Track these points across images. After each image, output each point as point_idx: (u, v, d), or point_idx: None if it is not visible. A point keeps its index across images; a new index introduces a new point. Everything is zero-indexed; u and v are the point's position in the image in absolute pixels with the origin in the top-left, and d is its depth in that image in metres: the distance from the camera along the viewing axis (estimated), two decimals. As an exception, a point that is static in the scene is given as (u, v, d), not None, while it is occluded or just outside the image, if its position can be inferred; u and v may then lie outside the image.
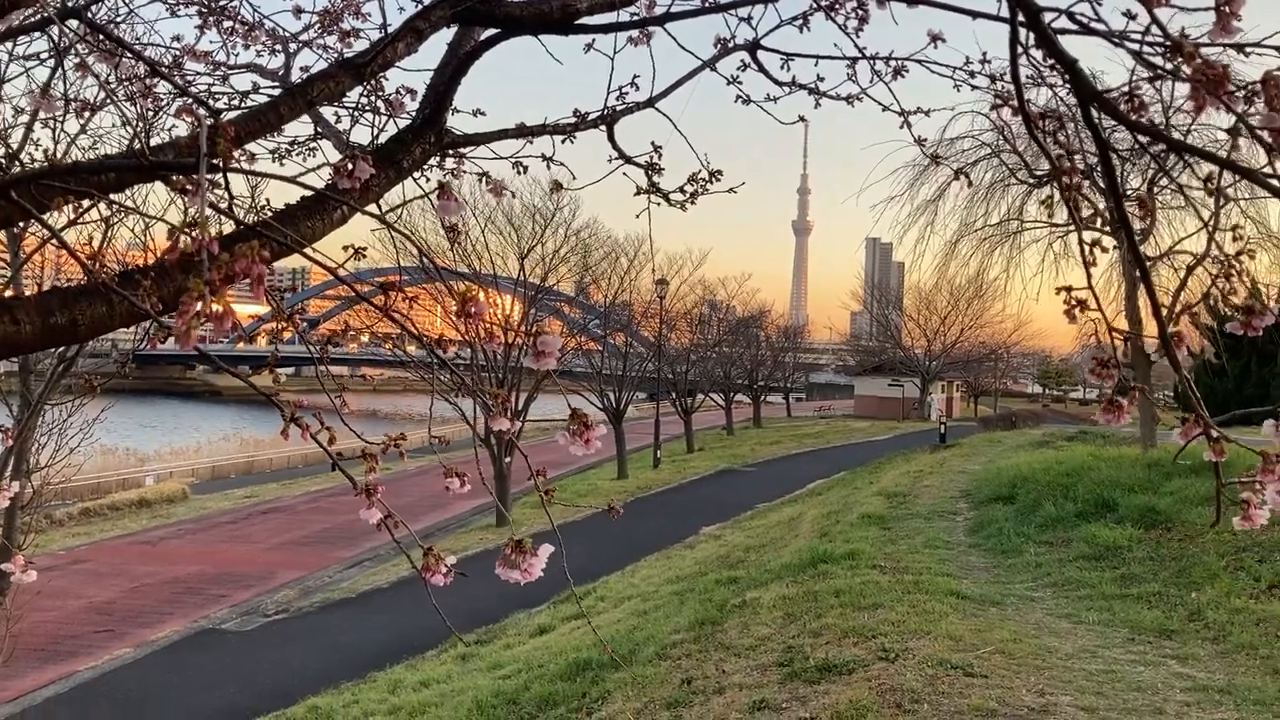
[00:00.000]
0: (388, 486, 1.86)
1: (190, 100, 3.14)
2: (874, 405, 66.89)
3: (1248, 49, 2.31)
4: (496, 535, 23.43)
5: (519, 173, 3.43)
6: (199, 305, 0.92)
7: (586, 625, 12.47)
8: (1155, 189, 17.17)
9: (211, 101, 3.52)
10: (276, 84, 3.96)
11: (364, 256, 2.27)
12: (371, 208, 2.37)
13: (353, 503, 1.77)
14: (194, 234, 1.03)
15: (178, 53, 4.32)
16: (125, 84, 4.13)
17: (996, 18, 2.19)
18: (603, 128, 3.14)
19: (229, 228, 2.11)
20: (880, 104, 3.57)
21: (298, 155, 4.09)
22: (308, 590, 18.95)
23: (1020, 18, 1.54)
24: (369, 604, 17.41)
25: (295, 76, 3.98)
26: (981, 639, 7.90)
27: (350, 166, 1.55)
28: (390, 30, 3.38)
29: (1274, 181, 1.45)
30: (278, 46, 4.12)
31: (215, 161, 1.16)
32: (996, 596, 9.86)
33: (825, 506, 19.66)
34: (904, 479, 21.65)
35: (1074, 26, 1.84)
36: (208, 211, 1.30)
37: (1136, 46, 1.50)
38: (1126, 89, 1.57)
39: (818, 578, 10.88)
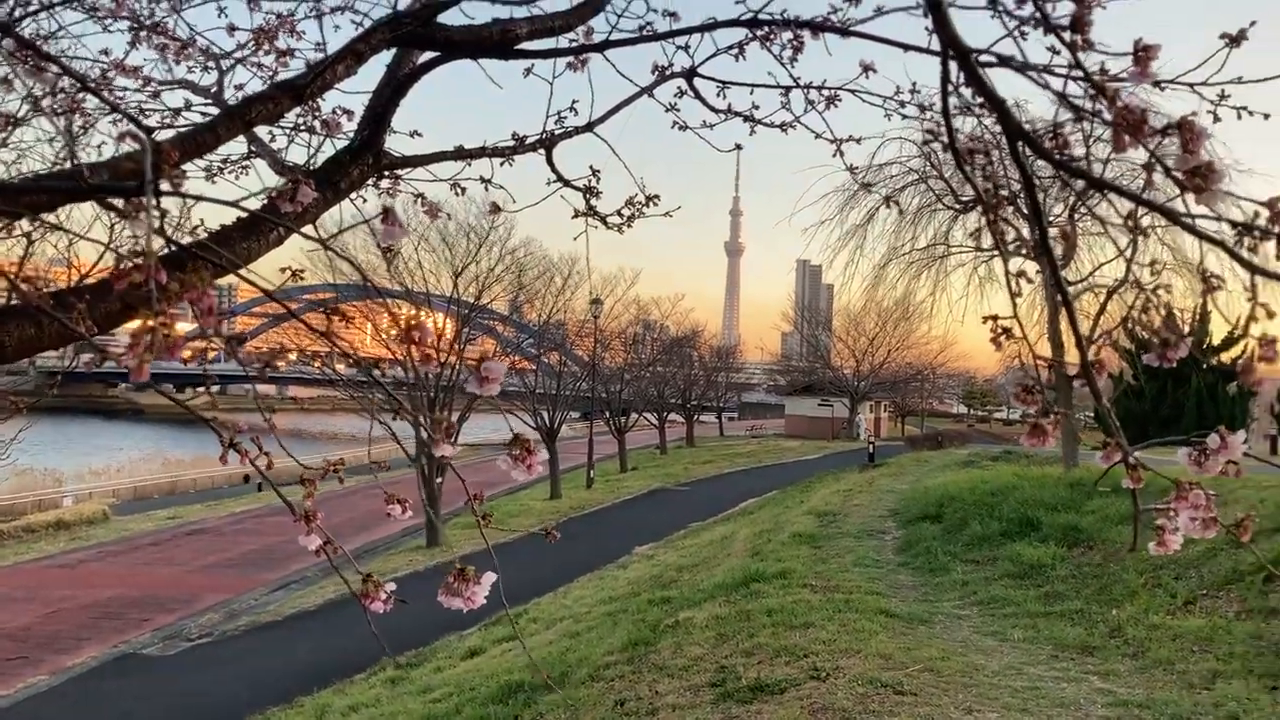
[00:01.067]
0: (322, 514, 1.85)
1: (122, 117, 3.10)
2: (804, 425, 67.53)
3: (1164, 84, 2.41)
4: (427, 556, 23.18)
5: (457, 194, 3.43)
6: (149, 337, 0.91)
7: (518, 647, 12.39)
8: (1076, 216, 17.66)
9: (143, 118, 3.47)
10: (209, 101, 3.92)
11: (302, 278, 2.26)
12: (309, 229, 2.36)
13: (280, 524, 1.76)
14: (139, 262, 1.03)
15: (106, 67, 4.26)
16: (52, 98, 4.05)
17: (928, 50, 2.26)
18: (541, 151, 3.16)
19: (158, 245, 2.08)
20: (813, 131, 3.65)
21: (230, 173, 4.05)
22: (233, 613, 18.55)
23: (951, 55, 1.59)
24: (296, 627, 17.10)
25: (229, 94, 3.94)
26: (911, 657, 8.00)
27: (293, 191, 1.54)
28: (328, 50, 3.38)
29: (1186, 219, 1.51)
30: (210, 64, 4.08)
31: (162, 186, 1.15)
32: (925, 615, 10.00)
33: (757, 525, 19.78)
34: (834, 498, 21.87)
35: (997, 61, 1.91)
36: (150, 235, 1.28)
37: (1061, 86, 1.57)
38: (1051, 125, 1.64)
39: (750, 597, 10.94)
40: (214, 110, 3.78)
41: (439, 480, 23.35)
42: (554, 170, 3.24)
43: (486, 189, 3.43)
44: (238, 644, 16.21)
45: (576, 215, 3.44)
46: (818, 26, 3.00)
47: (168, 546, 26.07)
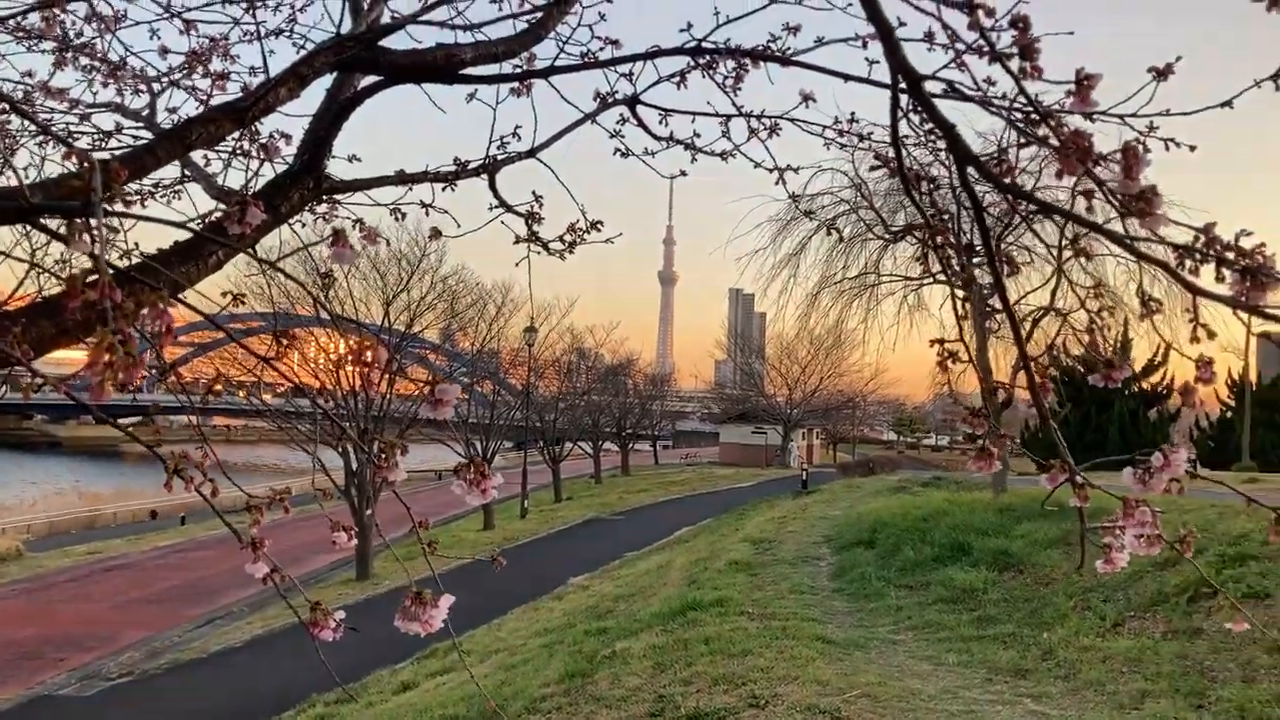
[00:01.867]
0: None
1: (50, 139, 3.02)
2: (738, 452, 67.80)
3: (1096, 115, 2.48)
4: (356, 590, 22.76)
5: (398, 219, 3.40)
6: (108, 356, 0.88)
7: (452, 681, 12.20)
8: (1002, 245, 18.07)
9: (73, 141, 3.38)
10: (140, 124, 3.84)
11: (243, 303, 2.21)
12: (254, 256, 2.32)
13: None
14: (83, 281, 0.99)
15: (30, 88, 4.15)
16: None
17: (870, 81, 2.30)
18: (484, 176, 3.15)
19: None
20: (753, 160, 3.68)
21: (162, 197, 3.97)
22: (155, 651, 17.99)
23: (902, 84, 1.62)
24: (221, 664, 16.64)
25: (161, 117, 3.87)
26: (848, 683, 8.04)
27: (241, 213, 1.51)
28: (267, 73, 3.33)
29: (1130, 242, 1.55)
30: (142, 86, 4.00)
31: (111, 206, 1.12)
32: (861, 640, 10.06)
33: (693, 554, 19.77)
34: (769, 525, 21.96)
35: (942, 90, 1.95)
36: (84, 257, 1.25)
37: (1007, 114, 1.60)
38: (996, 151, 1.67)
39: (687, 626, 10.91)
40: (146, 133, 3.71)
41: (368, 512, 23.02)
42: (496, 195, 3.23)
43: (427, 214, 3.41)
44: (159, 683, 15.71)
45: (518, 241, 3.42)
46: (759, 55, 3.04)
47: (86, 583, 25.23)
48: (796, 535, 19.72)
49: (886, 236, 21.55)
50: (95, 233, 1.06)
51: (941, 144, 1.58)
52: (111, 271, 1.85)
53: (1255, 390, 41.33)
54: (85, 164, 1.09)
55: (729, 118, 3.46)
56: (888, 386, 77.50)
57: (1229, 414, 43.61)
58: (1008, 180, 1.56)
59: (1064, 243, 1.88)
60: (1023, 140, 1.52)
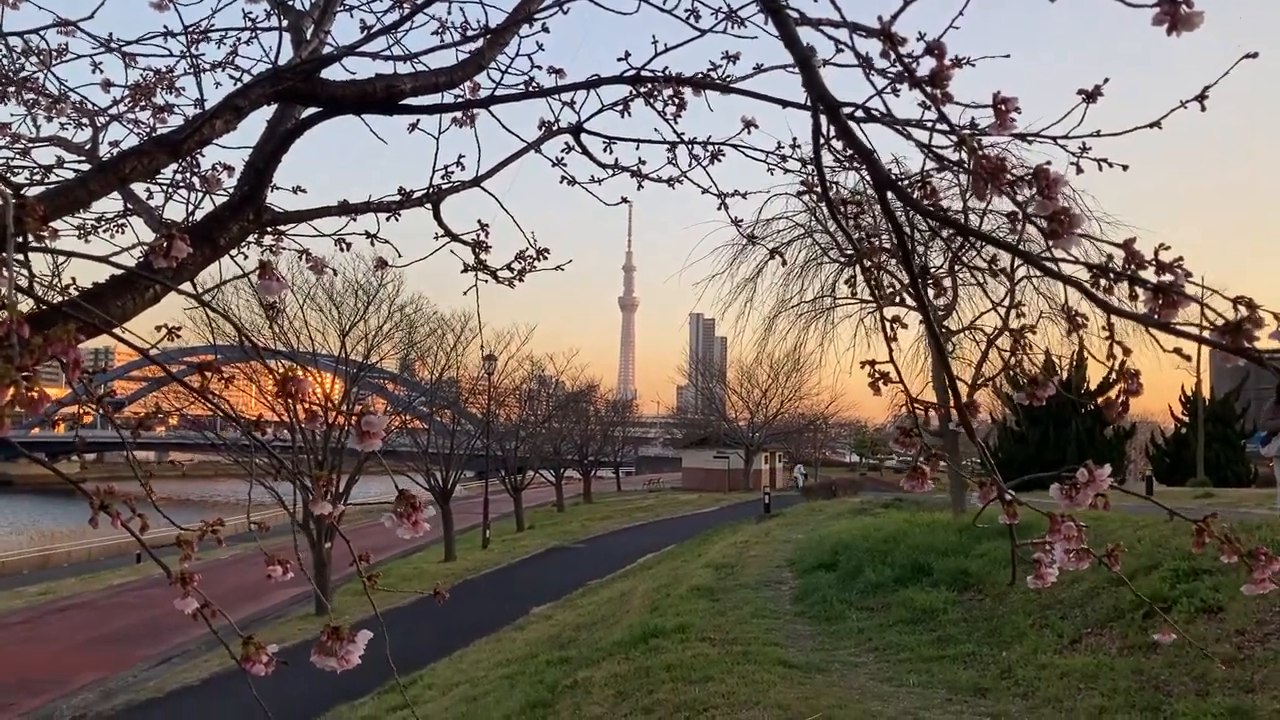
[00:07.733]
0: (200, 577, 1.79)
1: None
2: (701, 477, 67.91)
3: (1030, 139, 2.53)
4: (317, 625, 22.34)
5: (342, 250, 3.40)
6: (10, 392, 0.87)
7: (412, 716, 12.06)
8: (956, 267, 18.31)
9: (11, 176, 3.35)
10: (82, 158, 3.81)
11: (178, 336, 2.20)
12: (186, 286, 2.30)
13: (161, 596, 1.69)
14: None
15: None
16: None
17: (802, 106, 2.34)
18: (428, 206, 3.15)
19: (27, 307, 2.00)
20: (699, 186, 3.71)
21: (105, 231, 3.93)
22: (109, 692, 17.61)
23: (821, 109, 1.65)
24: (177, 704, 16.33)
25: (104, 151, 3.84)
26: (809, 706, 8.04)
27: (166, 246, 1.51)
28: (208, 106, 3.32)
29: (1049, 263, 1.59)
30: (84, 120, 3.97)
31: (21, 241, 1.11)
32: (822, 663, 10.07)
33: (655, 580, 19.72)
34: (731, 550, 21.96)
35: (865, 116, 1.99)
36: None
37: (926, 137, 1.63)
38: (920, 176, 1.71)
39: (649, 653, 10.87)
40: (87, 167, 3.68)
41: (328, 545, 22.74)
42: (441, 225, 3.23)
43: (373, 244, 3.41)
44: (114, 725, 15.39)
45: (466, 270, 3.43)
46: (698, 84, 3.08)
47: (38, 624, 24.66)
48: (759, 559, 19.73)
49: (841, 260, 21.74)
50: (7, 267, 1.06)
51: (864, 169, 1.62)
52: (42, 308, 1.84)
53: (1209, 405, 42.02)
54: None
55: (673, 144, 3.50)
56: (848, 409, 78.16)
57: (1183, 430, 44.27)
58: (928, 204, 1.60)
59: (990, 263, 1.92)
60: (939, 165, 1.56)
